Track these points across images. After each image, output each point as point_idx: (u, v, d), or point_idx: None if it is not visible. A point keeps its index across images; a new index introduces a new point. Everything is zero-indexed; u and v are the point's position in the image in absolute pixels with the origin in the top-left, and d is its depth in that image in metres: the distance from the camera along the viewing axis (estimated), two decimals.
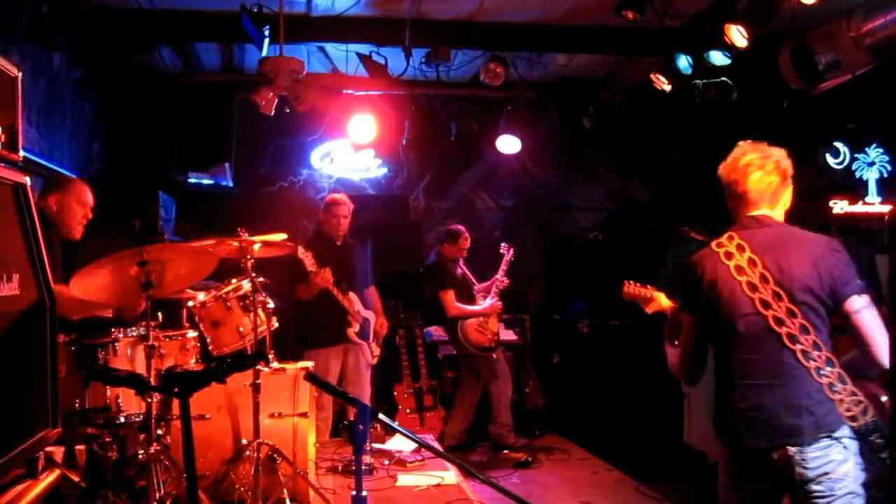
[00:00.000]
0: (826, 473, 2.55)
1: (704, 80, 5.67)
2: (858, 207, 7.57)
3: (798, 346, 2.58)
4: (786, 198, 2.79)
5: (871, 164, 7.65)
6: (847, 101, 6.80)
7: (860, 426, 2.55)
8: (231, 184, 7.40)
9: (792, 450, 2.57)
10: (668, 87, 6.07)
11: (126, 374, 2.77)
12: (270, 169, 7.87)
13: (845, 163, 7.67)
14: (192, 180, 7.27)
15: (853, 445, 2.57)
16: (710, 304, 2.76)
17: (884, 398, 2.59)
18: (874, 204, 7.61)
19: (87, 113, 6.39)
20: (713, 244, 2.80)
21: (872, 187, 7.63)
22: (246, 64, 7.41)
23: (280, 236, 4.46)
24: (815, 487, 2.56)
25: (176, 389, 2.34)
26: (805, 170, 3.21)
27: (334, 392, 2.31)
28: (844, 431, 2.56)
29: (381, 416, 2.31)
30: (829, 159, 7.65)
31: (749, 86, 6.12)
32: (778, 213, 2.78)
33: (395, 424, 2.30)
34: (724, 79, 5.68)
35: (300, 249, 4.98)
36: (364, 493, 2.32)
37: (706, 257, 2.80)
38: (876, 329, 2.55)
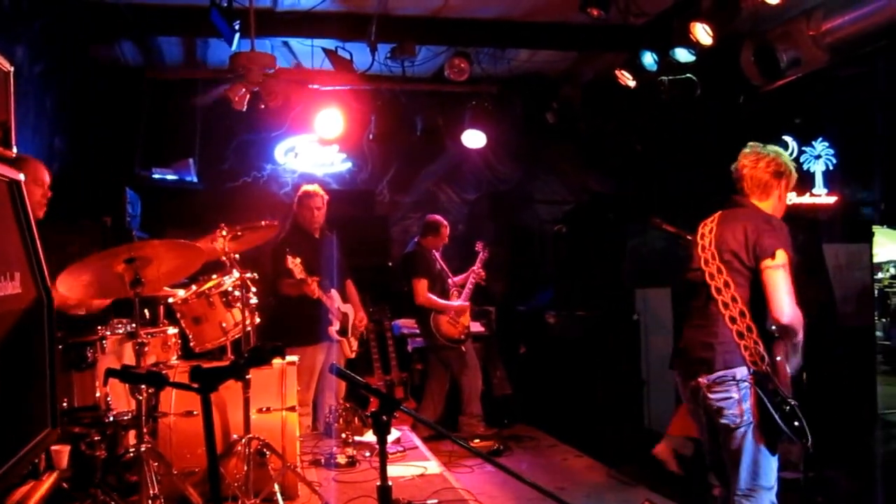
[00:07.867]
0: (725, 407, 3.12)
1: (670, 77, 5.84)
2: (806, 199, 7.92)
3: (720, 297, 3.19)
4: (777, 191, 3.33)
5: (818, 156, 8.01)
6: (795, 96, 7.07)
7: (759, 370, 3.08)
8: (195, 179, 7.31)
9: (702, 381, 3.18)
10: (632, 84, 6.23)
11: (146, 371, 2.75)
12: (234, 164, 7.80)
13: (793, 156, 7.99)
14: (156, 176, 7.14)
15: (747, 388, 3.10)
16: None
17: (778, 357, 3.11)
18: (821, 196, 7.97)
19: (48, 107, 6.22)
20: (701, 223, 3.43)
21: (819, 179, 7.98)
22: (209, 58, 7.32)
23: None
24: (719, 420, 3.16)
25: (196, 385, 2.36)
26: None
27: (360, 385, 2.36)
28: (744, 372, 3.11)
29: (402, 407, 2.38)
30: None
31: (708, 82, 6.31)
32: (768, 203, 3.34)
33: (421, 417, 2.37)
34: (688, 75, 5.86)
35: (289, 259, 4.98)
36: (389, 483, 2.39)
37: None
38: (775, 287, 3.08)
